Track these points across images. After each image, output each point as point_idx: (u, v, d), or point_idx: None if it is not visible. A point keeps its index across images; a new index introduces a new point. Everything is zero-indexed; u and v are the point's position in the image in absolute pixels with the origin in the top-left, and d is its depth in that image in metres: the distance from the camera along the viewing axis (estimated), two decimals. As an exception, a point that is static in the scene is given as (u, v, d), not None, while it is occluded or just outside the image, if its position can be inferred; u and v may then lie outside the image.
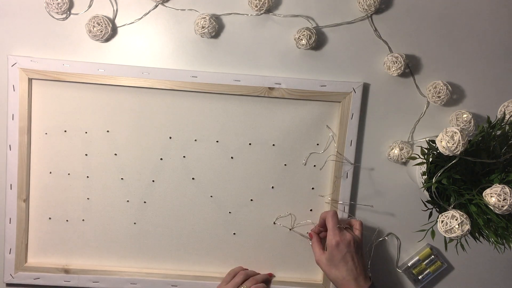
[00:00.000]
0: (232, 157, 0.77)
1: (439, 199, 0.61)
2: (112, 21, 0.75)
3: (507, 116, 0.65)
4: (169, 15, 0.76)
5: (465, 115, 0.74)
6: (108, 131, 0.76)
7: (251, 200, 0.79)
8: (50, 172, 0.77)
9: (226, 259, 0.80)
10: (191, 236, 0.79)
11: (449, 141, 0.56)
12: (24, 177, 0.76)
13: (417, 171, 0.70)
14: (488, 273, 0.81)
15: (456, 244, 0.63)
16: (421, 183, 0.67)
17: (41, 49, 0.75)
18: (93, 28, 0.73)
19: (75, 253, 0.79)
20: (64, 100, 0.76)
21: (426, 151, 0.63)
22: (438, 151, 0.60)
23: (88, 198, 0.78)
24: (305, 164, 0.77)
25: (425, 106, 0.77)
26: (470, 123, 0.74)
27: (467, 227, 0.57)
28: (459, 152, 0.56)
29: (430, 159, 0.62)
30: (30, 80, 0.74)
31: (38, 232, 0.79)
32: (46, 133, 0.76)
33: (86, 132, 0.76)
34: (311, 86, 0.75)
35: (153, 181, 0.78)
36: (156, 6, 0.75)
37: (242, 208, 0.79)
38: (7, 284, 0.78)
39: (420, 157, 0.64)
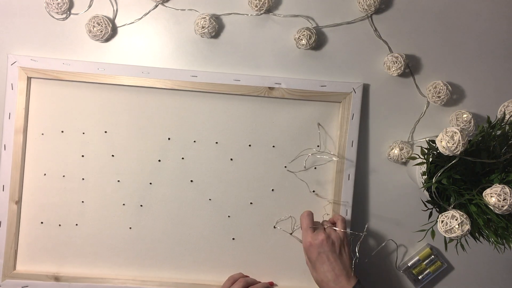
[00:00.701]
0: (231, 159, 0.77)
1: (439, 199, 0.61)
2: (112, 21, 0.75)
3: (507, 116, 0.65)
4: (169, 15, 0.76)
5: (465, 115, 0.74)
6: (106, 132, 0.76)
7: (251, 203, 0.77)
8: (45, 174, 0.76)
9: (225, 266, 0.77)
10: (188, 241, 0.77)
11: (449, 141, 0.56)
12: (18, 178, 0.74)
13: (417, 171, 0.70)
14: (488, 273, 0.81)
15: (456, 244, 0.62)
16: (421, 183, 0.67)
17: (41, 49, 0.75)
18: (93, 28, 0.73)
19: (67, 260, 0.77)
20: (63, 100, 0.75)
21: (426, 151, 0.63)
22: (438, 151, 0.60)
23: (82, 201, 0.76)
24: (305, 167, 0.77)
25: (425, 106, 0.77)
26: (470, 123, 0.74)
27: (467, 227, 0.57)
28: (459, 152, 0.56)
29: (430, 159, 0.62)
30: (29, 79, 0.74)
31: (28, 237, 0.76)
32: (42, 134, 0.75)
33: (83, 133, 0.76)
34: (311, 86, 0.75)
35: (150, 183, 0.76)
36: (156, 6, 0.75)
37: (242, 212, 0.77)
38: None
39: (420, 157, 0.64)
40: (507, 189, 0.55)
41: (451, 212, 0.58)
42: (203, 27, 0.73)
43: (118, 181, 0.77)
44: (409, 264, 0.79)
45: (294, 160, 0.77)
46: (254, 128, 0.76)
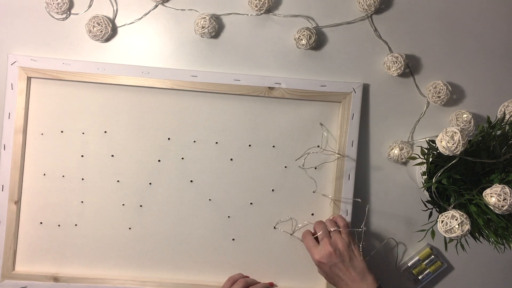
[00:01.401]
0: (231, 159, 0.77)
1: (439, 199, 0.61)
2: (112, 21, 0.75)
3: (507, 116, 0.65)
4: (169, 15, 0.76)
5: (465, 115, 0.74)
6: (105, 132, 0.76)
7: (251, 203, 0.77)
8: (44, 174, 0.76)
9: (225, 266, 0.77)
10: (188, 242, 0.77)
11: (449, 141, 0.56)
12: (17, 178, 0.74)
13: (417, 171, 0.70)
14: (488, 273, 0.81)
15: (456, 244, 0.62)
16: (421, 183, 0.67)
17: (41, 49, 0.75)
18: (93, 28, 0.73)
19: (66, 260, 0.77)
20: (63, 100, 0.75)
21: (426, 151, 0.63)
22: (438, 151, 0.60)
23: (82, 202, 0.76)
24: (303, 165, 0.77)
25: (425, 106, 0.77)
26: (470, 123, 0.74)
27: (467, 227, 0.57)
28: (459, 152, 0.56)
29: (430, 159, 0.62)
30: (29, 78, 0.74)
31: (28, 237, 0.76)
32: (42, 134, 0.75)
33: (83, 133, 0.76)
34: (311, 86, 0.75)
35: (150, 183, 0.76)
36: (156, 6, 0.75)
37: (242, 212, 0.77)
38: None
39: (420, 157, 0.64)
40: (507, 189, 0.55)
41: (451, 212, 0.58)
42: (203, 27, 0.73)
43: (118, 181, 0.76)
44: (409, 264, 0.79)
45: (299, 158, 0.76)
46: (254, 128, 0.76)
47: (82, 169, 0.76)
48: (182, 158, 0.77)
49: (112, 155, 0.76)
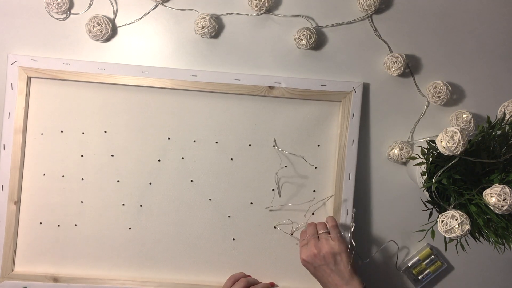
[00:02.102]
0: (231, 159, 0.77)
1: (439, 199, 0.61)
2: (112, 21, 0.75)
3: (507, 116, 0.65)
4: (169, 15, 0.76)
5: (465, 115, 0.74)
6: (105, 132, 0.76)
7: (251, 203, 0.77)
8: (44, 174, 0.76)
9: (225, 266, 0.77)
10: (188, 242, 0.77)
11: (449, 141, 0.56)
12: (17, 178, 0.74)
13: (417, 171, 0.70)
14: (488, 273, 0.81)
15: (456, 244, 0.62)
16: (421, 183, 0.67)
17: (41, 49, 0.75)
18: (93, 28, 0.73)
19: (66, 261, 0.76)
20: (62, 100, 0.75)
21: (426, 151, 0.63)
22: (438, 151, 0.60)
23: (82, 202, 0.76)
24: (303, 157, 0.77)
25: (425, 106, 0.77)
26: (470, 123, 0.74)
27: (467, 227, 0.57)
28: (459, 152, 0.56)
29: (430, 159, 0.62)
30: (29, 78, 0.74)
31: (27, 237, 0.76)
32: (42, 133, 0.75)
33: (83, 133, 0.76)
34: (311, 86, 0.75)
35: (150, 183, 0.76)
36: (156, 6, 0.75)
37: (242, 212, 0.77)
38: None
39: (420, 157, 0.64)
40: (507, 189, 0.55)
41: (451, 212, 0.58)
42: (203, 27, 0.73)
43: (118, 181, 0.76)
44: (409, 264, 0.79)
45: (294, 160, 0.76)
46: (254, 128, 0.76)
47: (82, 169, 0.76)
48: (182, 158, 0.77)
49: (112, 155, 0.76)
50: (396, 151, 0.76)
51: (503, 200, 0.55)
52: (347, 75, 0.77)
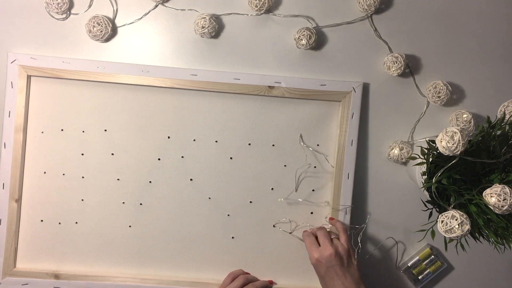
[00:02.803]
0: (231, 158, 0.77)
1: (439, 199, 0.61)
2: (112, 21, 0.75)
3: (507, 116, 0.65)
4: (169, 15, 0.76)
5: (465, 115, 0.74)
6: (105, 130, 0.76)
7: (250, 202, 0.78)
8: (45, 172, 0.76)
9: (224, 264, 0.77)
10: (187, 240, 0.77)
11: (449, 141, 0.56)
12: (18, 176, 0.75)
13: (417, 171, 0.70)
14: (488, 273, 0.81)
15: (456, 244, 0.62)
16: (421, 183, 0.67)
17: (41, 49, 0.75)
18: (93, 28, 0.73)
19: (67, 258, 0.77)
20: (62, 99, 0.75)
21: (426, 151, 0.63)
22: (438, 151, 0.60)
23: (82, 200, 0.77)
24: (305, 155, 0.77)
25: (425, 106, 0.77)
26: (470, 123, 0.73)
27: (467, 227, 0.57)
28: (459, 152, 0.56)
29: (430, 159, 0.62)
30: (29, 77, 0.74)
31: (28, 235, 0.77)
32: (42, 132, 0.76)
33: (83, 131, 0.76)
34: (311, 85, 0.75)
35: (150, 182, 0.77)
36: (156, 6, 0.75)
37: (241, 210, 0.78)
38: None
39: (420, 157, 0.64)
40: (507, 189, 0.55)
41: (451, 212, 0.58)
42: (203, 27, 0.73)
43: (118, 179, 0.77)
44: (409, 264, 0.79)
45: (293, 159, 0.77)
46: (254, 127, 0.76)
47: (82, 167, 0.76)
48: (182, 157, 0.77)
49: (112, 154, 0.76)
50: (396, 151, 0.76)
51: (503, 200, 0.55)
52: (347, 75, 0.77)
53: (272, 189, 0.77)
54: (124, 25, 0.76)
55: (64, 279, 0.76)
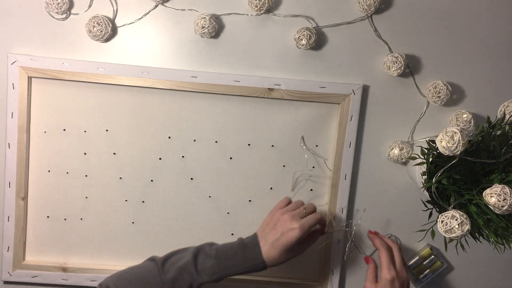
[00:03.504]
0: (231, 158, 0.77)
1: (439, 199, 0.61)
2: (112, 21, 0.75)
3: (507, 116, 0.65)
4: (169, 15, 0.76)
5: (465, 115, 0.74)
6: (107, 130, 0.77)
7: (250, 201, 0.78)
8: (49, 171, 0.77)
9: None
10: (188, 237, 0.79)
11: (449, 141, 0.56)
12: (23, 175, 0.76)
13: (417, 171, 0.70)
14: (488, 273, 0.81)
15: (456, 244, 0.62)
16: (421, 183, 0.67)
17: (41, 49, 0.75)
18: (93, 28, 0.73)
19: (73, 252, 0.80)
20: (64, 99, 0.76)
21: (426, 151, 0.63)
22: (438, 151, 0.60)
23: (86, 197, 0.78)
24: (304, 152, 0.77)
25: (425, 106, 0.77)
26: (470, 123, 0.74)
27: (467, 227, 0.57)
28: (459, 152, 0.56)
29: (430, 159, 0.62)
30: (29, 78, 0.74)
31: (36, 230, 0.79)
32: (45, 132, 0.76)
33: (85, 131, 0.76)
34: (311, 88, 0.75)
35: (151, 180, 0.78)
36: (156, 6, 0.75)
37: (241, 209, 0.79)
38: (5, 282, 0.78)
39: (420, 157, 0.64)
40: (507, 189, 0.55)
41: (451, 212, 0.58)
42: (203, 27, 0.73)
43: (120, 178, 0.78)
44: (409, 264, 0.79)
45: (292, 159, 0.77)
46: (253, 128, 0.77)
47: (86, 166, 0.77)
48: (183, 157, 0.77)
49: (114, 153, 0.77)
50: (396, 151, 0.76)
51: (503, 200, 0.55)
52: (347, 75, 0.77)
53: (271, 188, 0.78)
54: (124, 25, 0.76)
55: (71, 272, 0.79)
